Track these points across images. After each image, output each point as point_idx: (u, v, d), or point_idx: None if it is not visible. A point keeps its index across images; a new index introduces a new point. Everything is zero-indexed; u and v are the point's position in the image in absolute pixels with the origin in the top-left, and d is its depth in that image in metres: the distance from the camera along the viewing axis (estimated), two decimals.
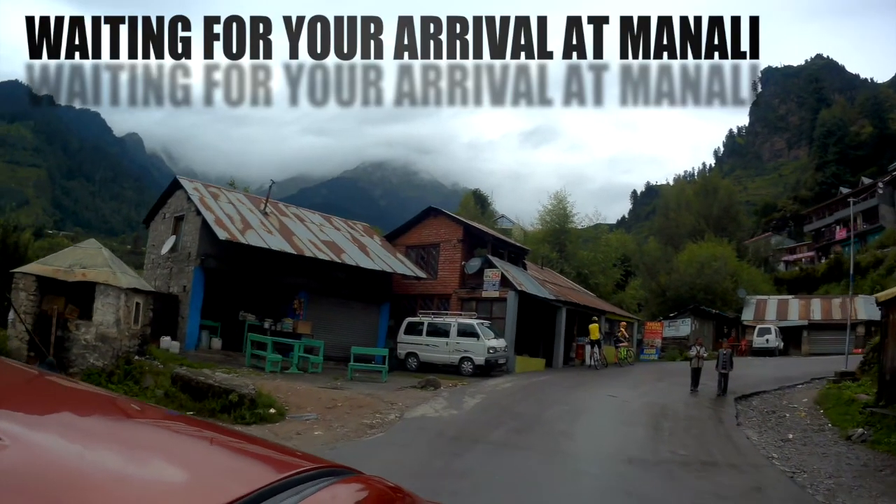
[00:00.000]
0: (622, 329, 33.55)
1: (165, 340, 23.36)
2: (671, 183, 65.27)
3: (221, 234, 24.77)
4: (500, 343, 25.89)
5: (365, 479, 1.31)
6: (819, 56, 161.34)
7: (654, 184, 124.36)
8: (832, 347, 48.07)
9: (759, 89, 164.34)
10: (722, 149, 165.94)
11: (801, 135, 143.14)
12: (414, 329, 27.32)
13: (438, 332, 26.60)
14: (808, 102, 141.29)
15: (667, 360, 38.82)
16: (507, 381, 23.87)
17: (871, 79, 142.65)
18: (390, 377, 23.40)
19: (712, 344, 48.01)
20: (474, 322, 25.86)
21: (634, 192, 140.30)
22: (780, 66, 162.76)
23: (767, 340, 46.33)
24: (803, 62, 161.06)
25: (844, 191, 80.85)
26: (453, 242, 30.67)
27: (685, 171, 67.40)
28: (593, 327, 30.86)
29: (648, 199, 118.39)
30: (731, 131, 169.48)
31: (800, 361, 36.72)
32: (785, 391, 22.01)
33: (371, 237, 32.20)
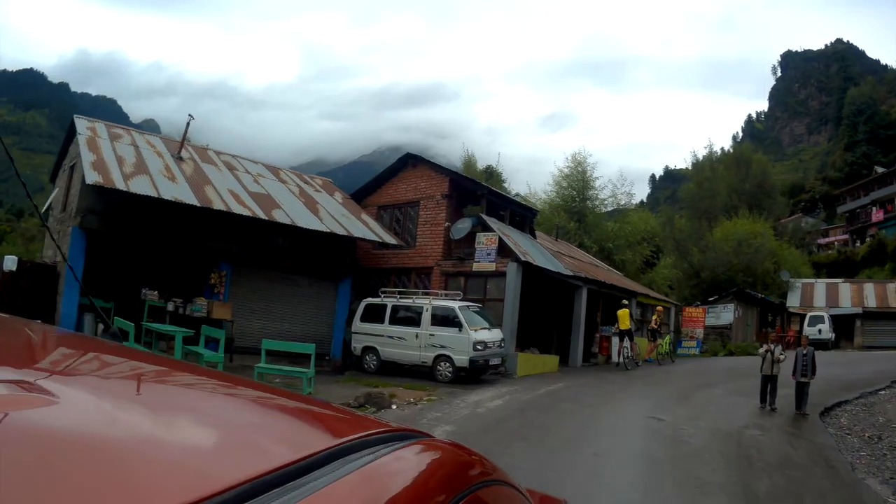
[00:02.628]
0: (657, 316, 24.41)
1: None
2: (690, 168, 54.87)
3: (91, 177, 16.53)
4: (493, 335, 16.92)
5: (441, 442, 1.21)
6: (839, 41, 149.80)
7: (674, 168, 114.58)
8: (890, 339, 39.32)
9: (779, 73, 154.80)
10: (741, 134, 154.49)
11: (821, 119, 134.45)
12: (374, 314, 18.46)
13: (406, 318, 17.72)
14: (830, 86, 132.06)
15: (708, 356, 29.62)
16: (500, 393, 14.94)
17: (888, 66, 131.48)
18: (333, 383, 15.66)
19: (755, 334, 38.78)
20: (455, 305, 16.92)
21: (653, 176, 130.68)
22: (799, 51, 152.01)
23: (820, 331, 37.12)
24: (823, 46, 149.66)
25: (880, 170, 71.22)
26: (436, 199, 21.69)
27: (710, 151, 57.55)
28: (623, 314, 21.83)
29: (667, 184, 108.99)
30: (749, 116, 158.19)
31: (859, 357, 28.48)
32: (868, 399, 16.63)
33: (330, 194, 23.29)
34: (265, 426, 1.14)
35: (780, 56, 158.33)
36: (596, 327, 23.96)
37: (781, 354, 15.27)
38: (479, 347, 16.22)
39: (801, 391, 14.70)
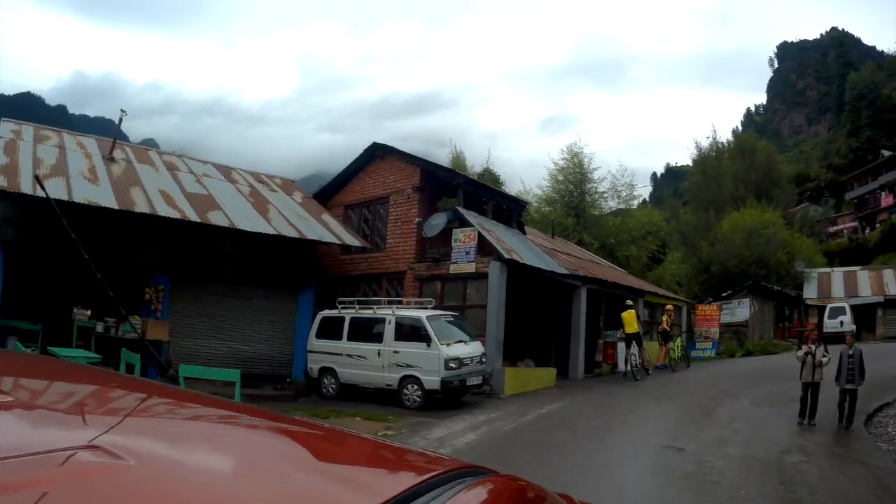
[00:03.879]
0: (668, 316, 21.06)
1: None
2: (692, 163, 51.33)
3: None
4: (471, 350, 13.64)
5: (503, 478, 1.17)
6: (834, 29, 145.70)
7: (675, 165, 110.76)
8: None
9: (776, 65, 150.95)
10: (741, 128, 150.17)
11: (820, 109, 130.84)
12: (331, 329, 15.22)
13: (367, 333, 14.46)
14: (827, 75, 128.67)
15: (725, 357, 26.20)
16: (476, 423, 11.65)
17: (885, 52, 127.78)
18: (281, 413, 11.41)
19: (772, 330, 35.32)
20: (422, 315, 13.62)
21: (654, 174, 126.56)
22: (795, 41, 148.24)
23: (841, 323, 33.57)
24: (819, 35, 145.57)
25: (887, 154, 67.63)
26: (406, 193, 18.44)
27: (713, 139, 53.93)
28: (629, 316, 18.56)
29: (669, 182, 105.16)
30: (748, 109, 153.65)
31: (885, 350, 24.75)
32: None
33: (289, 194, 20.08)
34: (337, 474, 1.12)
35: (777, 47, 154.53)
36: (599, 332, 20.62)
37: (824, 356, 12.06)
38: (452, 365, 12.95)
39: (848, 400, 11.68)
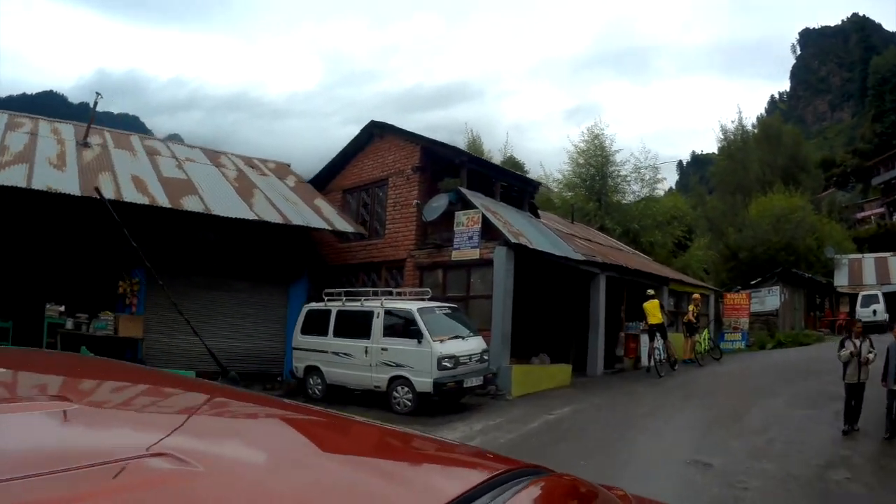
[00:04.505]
0: (695, 306, 18.74)
1: None
2: (717, 150, 48.49)
3: None
4: (469, 346, 11.56)
5: (559, 477, 1.12)
6: (855, 14, 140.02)
7: (700, 153, 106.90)
8: None
9: (798, 52, 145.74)
10: (765, 116, 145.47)
11: (843, 96, 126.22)
12: (317, 324, 13.25)
13: (354, 328, 12.44)
14: (849, 61, 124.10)
15: (756, 349, 23.72)
16: (471, 433, 9.71)
17: None
18: None
19: (804, 320, 32.61)
20: (413, 308, 11.57)
21: (680, 162, 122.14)
22: (817, 27, 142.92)
23: (874, 312, 30.69)
24: (840, 21, 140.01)
25: None
26: (406, 174, 16.37)
27: (739, 121, 50.76)
28: (651, 306, 16.34)
29: (695, 169, 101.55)
30: (772, 97, 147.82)
31: None
32: None
33: (281, 178, 18.12)
34: (400, 475, 1.08)
35: (798, 34, 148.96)
36: (620, 324, 18.40)
37: (871, 352, 9.76)
38: (446, 364, 10.90)
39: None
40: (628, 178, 29.96)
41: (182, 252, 15.11)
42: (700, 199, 42.39)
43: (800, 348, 23.25)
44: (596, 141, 29.55)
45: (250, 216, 14.34)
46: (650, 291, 16.94)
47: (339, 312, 12.79)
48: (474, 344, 11.68)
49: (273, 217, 14.64)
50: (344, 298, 13.03)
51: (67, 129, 17.22)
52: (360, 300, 12.71)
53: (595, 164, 29.49)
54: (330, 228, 15.32)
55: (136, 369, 1.85)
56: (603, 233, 26.27)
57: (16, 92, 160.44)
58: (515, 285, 14.72)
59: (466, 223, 14.36)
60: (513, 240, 13.38)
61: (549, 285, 17.87)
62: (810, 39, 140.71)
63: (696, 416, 10.61)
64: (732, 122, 45.63)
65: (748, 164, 42.27)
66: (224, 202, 14.69)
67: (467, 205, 14.67)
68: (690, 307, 18.65)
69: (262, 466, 0.99)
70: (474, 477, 0.99)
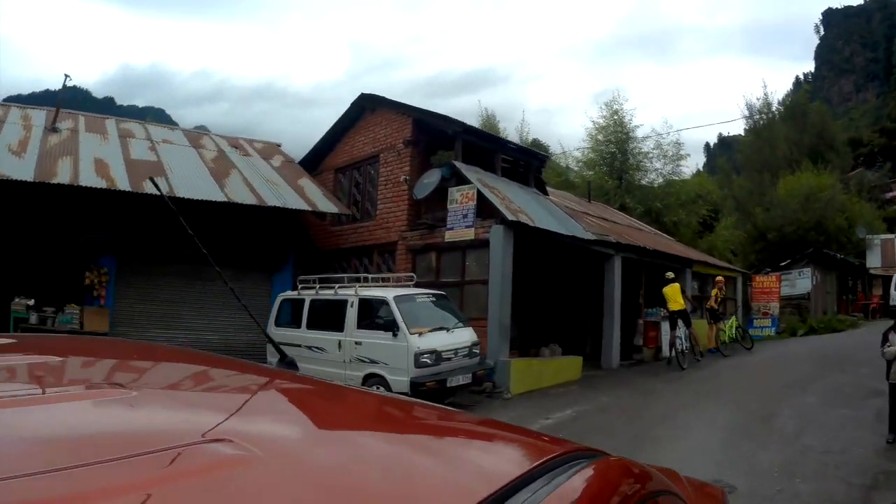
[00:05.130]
0: (718, 290, 16.48)
1: None
2: (744, 130, 45.52)
3: None
4: (455, 340, 9.61)
5: (614, 460, 1.11)
6: None
7: (727, 134, 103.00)
8: None
9: (822, 32, 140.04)
10: (790, 97, 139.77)
11: (867, 76, 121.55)
12: (291, 314, 11.46)
13: (328, 318, 10.58)
14: (873, 40, 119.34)
15: (786, 336, 21.32)
16: None
17: None
18: None
19: (837, 303, 29.98)
20: (388, 296, 9.67)
21: (707, 144, 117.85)
22: (840, 7, 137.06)
23: None
24: (862, 1, 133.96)
25: None
26: (397, 149, 14.42)
27: (765, 96, 47.36)
28: (672, 290, 14.20)
29: (722, 152, 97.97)
30: (797, 78, 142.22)
31: None
32: None
33: (267, 158, 16.31)
34: (458, 458, 1.05)
35: (822, 14, 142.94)
36: (639, 311, 16.29)
37: None
38: (426, 360, 9.00)
39: None
40: (650, 155, 27.58)
41: (155, 240, 13.44)
42: (727, 178, 39.69)
43: (833, 335, 20.87)
44: (615, 117, 27.24)
45: (219, 198, 12.59)
46: (670, 274, 14.77)
47: (313, 302, 10.96)
48: (462, 336, 9.75)
49: (246, 199, 12.86)
50: (317, 286, 11.18)
51: (39, 115, 15.69)
52: (333, 287, 10.83)
53: (615, 141, 27.19)
54: (311, 209, 13.48)
55: (188, 353, 1.88)
56: (623, 212, 24.06)
57: (39, 89, 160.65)
58: (523, 269, 12.80)
59: (461, 200, 12.39)
60: (511, 217, 11.37)
61: (562, 269, 15.92)
62: (833, 19, 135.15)
63: (719, 420, 8.60)
64: (758, 99, 42.64)
65: (775, 142, 39.48)
66: (193, 184, 12.98)
67: (462, 180, 12.69)
68: (713, 291, 16.45)
69: (318, 450, 0.93)
70: (530, 459, 0.98)
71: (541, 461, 0.93)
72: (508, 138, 32.64)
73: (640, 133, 27.37)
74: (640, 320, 16.04)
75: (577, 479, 0.91)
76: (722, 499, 1.74)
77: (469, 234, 12.12)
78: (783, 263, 27.26)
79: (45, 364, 1.25)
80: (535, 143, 36.04)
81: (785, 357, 15.33)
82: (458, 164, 12.77)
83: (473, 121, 27.45)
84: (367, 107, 15.71)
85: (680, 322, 14.06)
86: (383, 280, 11.02)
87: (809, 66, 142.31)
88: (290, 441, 0.95)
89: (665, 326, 15.33)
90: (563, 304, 16.51)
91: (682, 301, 14.13)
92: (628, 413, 9.31)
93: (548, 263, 15.57)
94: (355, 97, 15.88)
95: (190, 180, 13.09)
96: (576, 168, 30.12)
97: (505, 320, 11.33)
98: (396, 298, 9.51)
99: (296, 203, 13.45)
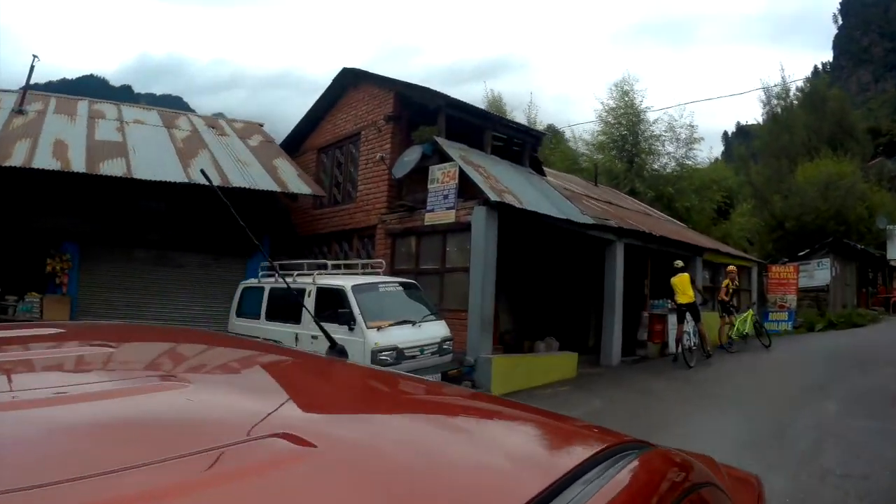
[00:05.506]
0: (729, 281, 14.82)
1: None
2: (761, 121, 43.56)
3: None
4: (421, 334, 8.23)
5: (662, 451, 1.09)
6: None
7: (745, 123, 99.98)
8: None
9: (840, 21, 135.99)
10: (809, 86, 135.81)
11: (886, 66, 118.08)
12: (251, 305, 10.16)
13: (287, 309, 9.26)
14: (891, 31, 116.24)
15: (802, 331, 19.58)
16: None
17: None
18: None
19: (856, 296, 28.09)
20: (346, 286, 8.33)
21: (725, 133, 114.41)
22: None
23: None
24: None
25: None
26: (378, 125, 13.04)
27: (783, 82, 44.90)
28: (681, 281, 12.66)
29: (740, 140, 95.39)
30: (815, 67, 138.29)
31: None
32: None
33: (245, 138, 15.02)
34: (512, 450, 1.00)
35: (840, 4, 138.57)
36: (644, 302, 14.78)
37: None
38: (384, 358, 7.64)
39: None
40: (662, 138, 25.89)
41: (120, 224, 12.29)
42: (743, 165, 37.87)
43: (853, 330, 19.20)
44: (626, 98, 25.59)
45: (179, 178, 11.30)
46: (679, 263, 13.22)
47: (272, 291, 9.65)
48: (432, 331, 8.36)
49: (209, 179, 11.57)
50: (277, 273, 9.87)
51: (9, 98, 14.48)
52: (292, 275, 9.50)
53: (626, 124, 25.55)
54: (281, 191, 12.16)
55: (236, 339, 1.80)
56: (633, 198, 22.48)
57: (55, 77, 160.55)
58: (520, 257, 11.46)
59: (442, 179, 10.98)
60: (494, 197, 9.93)
61: (563, 257, 14.51)
62: (851, 9, 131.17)
63: (726, 431, 7.16)
64: (776, 85, 40.65)
65: (793, 128, 37.62)
66: (154, 165, 11.75)
67: (445, 158, 11.27)
68: (725, 282, 14.87)
69: (377, 442, 0.89)
70: (582, 451, 0.98)
71: (592, 453, 0.92)
72: (514, 116, 31.10)
73: (651, 116, 25.71)
74: (644, 313, 14.54)
75: (627, 472, 0.89)
76: (757, 486, 1.58)
77: (450, 217, 10.70)
78: (801, 253, 25.50)
79: (99, 354, 1.23)
80: (550, 128, 34.38)
81: (802, 355, 13.77)
82: (440, 140, 11.35)
83: (481, 105, 26.00)
84: (350, 83, 14.32)
85: (688, 316, 12.56)
86: (346, 266, 9.69)
87: (828, 56, 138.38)
88: (350, 433, 0.91)
89: (672, 320, 13.84)
90: (564, 294, 15.08)
91: (691, 293, 12.61)
92: (621, 420, 7.88)
93: (547, 251, 14.14)
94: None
95: (152, 161, 11.87)
96: (586, 151, 28.56)
97: (487, 312, 9.92)
98: (354, 288, 8.16)
99: (265, 184, 12.15)
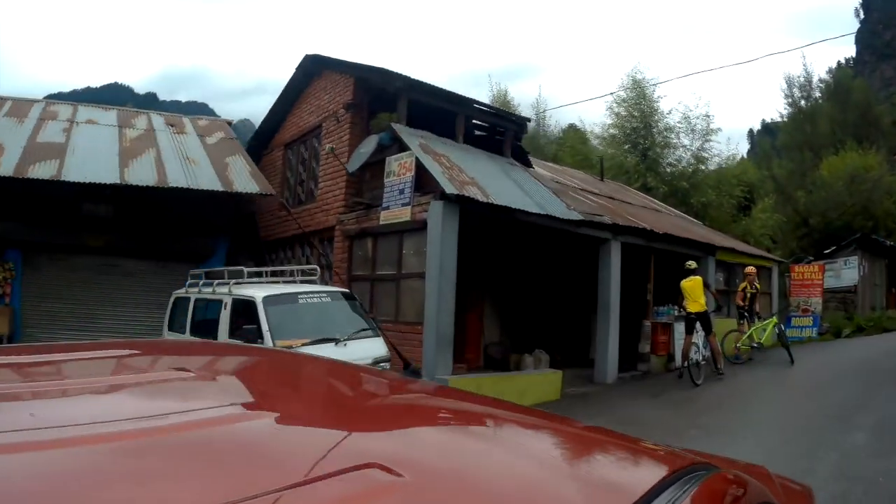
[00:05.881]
0: (747, 284, 12.79)
1: None
2: (785, 119, 41.02)
3: None
4: (345, 355, 6.52)
5: (729, 474, 1.04)
6: None
7: (770, 121, 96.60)
8: None
9: (862, 16, 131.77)
10: (832, 82, 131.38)
11: None
12: (180, 316, 8.61)
13: (207, 323, 7.68)
14: None
15: (828, 338, 17.40)
16: None
17: None
18: None
19: (885, 298, 25.65)
20: (257, 297, 6.72)
21: (751, 130, 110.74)
22: None
23: None
24: None
25: None
26: (338, 115, 11.44)
27: (806, 73, 42.10)
28: (692, 285, 10.71)
29: (766, 137, 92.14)
30: (838, 62, 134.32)
31: None
32: None
33: (204, 136, 13.58)
34: (586, 474, 1.00)
35: None
36: (646, 309, 12.90)
37: None
38: None
39: None
40: (676, 129, 23.95)
41: (64, 230, 10.94)
42: (766, 159, 35.70)
43: (884, 335, 17.02)
44: (637, 88, 23.72)
45: (112, 180, 9.90)
46: (691, 264, 11.22)
47: (197, 301, 8.11)
48: (361, 351, 6.67)
49: (144, 180, 10.15)
50: (202, 282, 8.32)
51: None
52: (212, 284, 7.93)
53: (638, 115, 23.68)
54: (224, 189, 10.65)
55: (312, 359, 1.77)
56: (644, 194, 20.57)
57: (80, 86, 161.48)
58: (506, 259, 9.80)
59: (398, 171, 9.33)
60: (451, 190, 8.22)
61: (563, 262, 12.81)
62: (874, 4, 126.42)
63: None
64: (799, 77, 38.41)
65: (817, 120, 35.39)
66: (90, 166, 10.41)
67: (405, 148, 9.61)
68: (742, 285, 12.90)
69: (460, 471, 0.86)
70: (656, 472, 0.96)
71: (665, 474, 0.91)
72: (519, 110, 29.22)
73: (665, 106, 23.85)
74: (646, 321, 12.66)
75: (698, 495, 0.88)
76: (809, 497, 1.52)
77: (405, 214, 9.03)
78: (827, 251, 23.30)
79: (178, 380, 1.17)
80: (571, 126, 32.65)
81: (825, 368, 11.75)
82: (397, 127, 9.69)
83: (487, 101, 24.37)
84: (314, 72, 12.75)
85: (698, 325, 10.68)
86: (274, 273, 8.09)
87: (850, 51, 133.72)
88: (437, 462, 0.89)
89: (679, 329, 11.99)
90: (563, 302, 13.32)
91: (703, 301, 10.68)
92: None
93: (542, 253, 12.43)
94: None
95: (88, 162, 10.53)
96: (597, 144, 26.72)
97: (445, 328, 8.21)
98: (266, 299, 6.57)
99: (208, 183, 10.65)
